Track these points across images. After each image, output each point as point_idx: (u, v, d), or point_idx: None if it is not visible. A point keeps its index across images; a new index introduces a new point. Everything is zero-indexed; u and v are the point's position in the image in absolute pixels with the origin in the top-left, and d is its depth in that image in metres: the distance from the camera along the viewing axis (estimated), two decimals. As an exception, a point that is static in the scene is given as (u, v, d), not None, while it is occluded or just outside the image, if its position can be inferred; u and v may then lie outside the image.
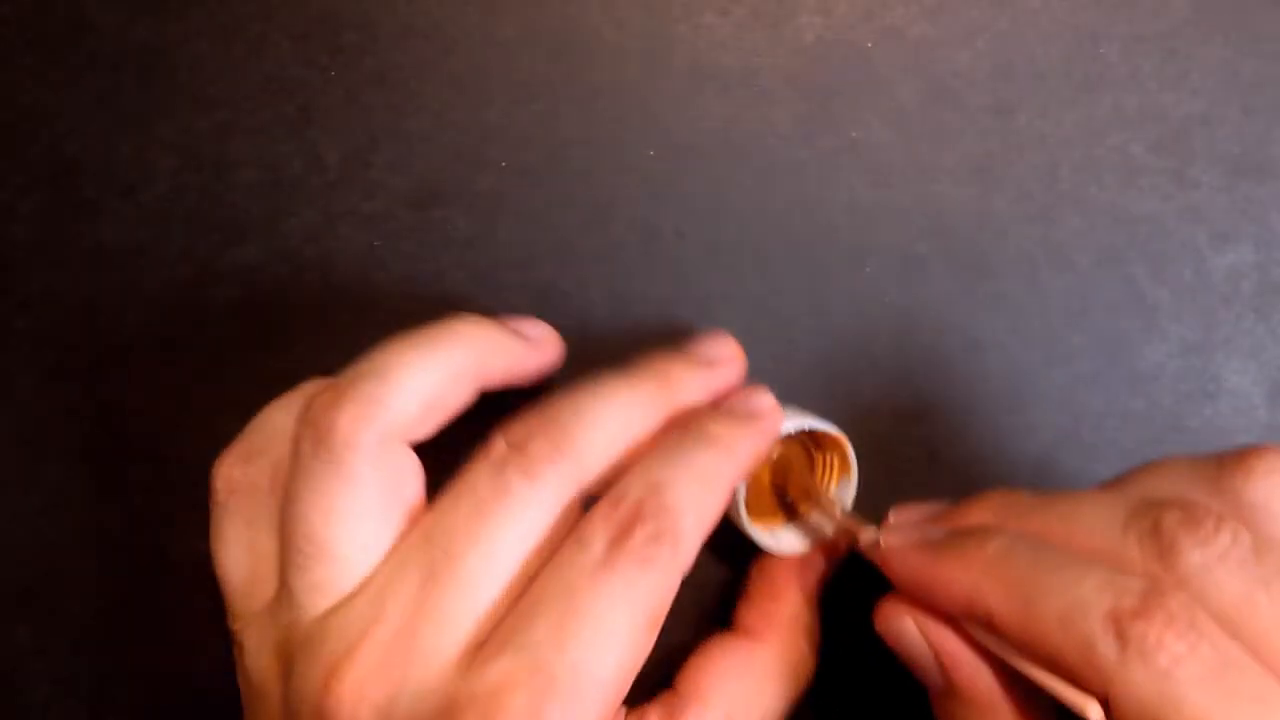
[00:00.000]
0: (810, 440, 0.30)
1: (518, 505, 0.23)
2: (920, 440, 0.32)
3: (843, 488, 0.29)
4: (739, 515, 0.28)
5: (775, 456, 0.29)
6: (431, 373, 0.25)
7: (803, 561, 0.29)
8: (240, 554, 0.25)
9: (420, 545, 0.23)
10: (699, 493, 0.24)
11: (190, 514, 0.31)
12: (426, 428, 0.25)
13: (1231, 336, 0.33)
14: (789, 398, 0.33)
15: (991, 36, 0.34)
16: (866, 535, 0.26)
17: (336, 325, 0.32)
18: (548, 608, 0.22)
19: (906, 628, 0.24)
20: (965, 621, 0.23)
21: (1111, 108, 0.34)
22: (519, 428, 0.24)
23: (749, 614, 0.28)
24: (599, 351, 0.33)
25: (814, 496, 0.28)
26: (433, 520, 0.23)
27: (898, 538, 0.25)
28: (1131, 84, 0.34)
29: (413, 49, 0.34)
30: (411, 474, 0.25)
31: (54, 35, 0.34)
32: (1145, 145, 0.34)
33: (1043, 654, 0.21)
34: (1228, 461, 0.24)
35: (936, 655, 0.23)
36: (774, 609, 0.28)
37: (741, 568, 0.30)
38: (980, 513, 0.26)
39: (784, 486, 0.29)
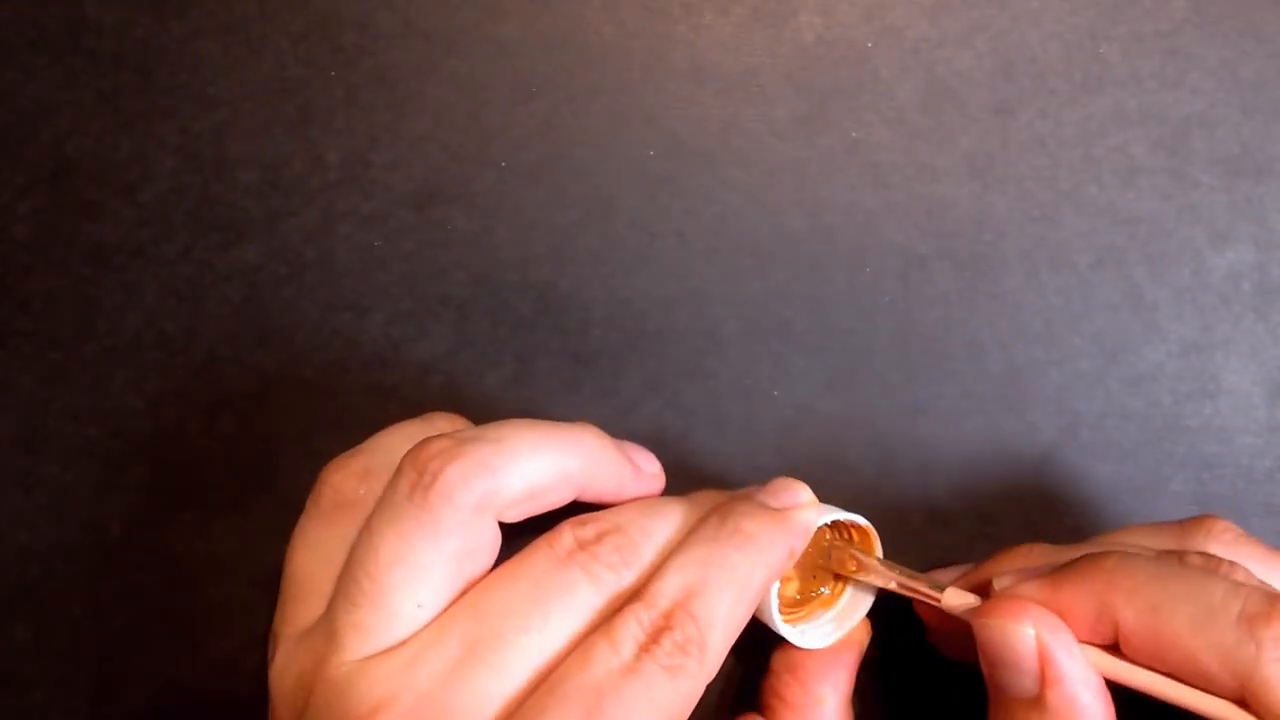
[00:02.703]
0: (837, 531, 0.29)
1: (573, 600, 0.23)
2: (920, 440, 0.32)
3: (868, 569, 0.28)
4: (771, 616, 0.27)
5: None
6: (547, 461, 0.25)
7: (834, 657, 0.28)
8: (316, 563, 0.25)
9: (469, 617, 0.23)
10: (730, 600, 0.24)
11: (190, 514, 0.31)
12: (520, 511, 0.25)
13: (1231, 336, 0.33)
14: (789, 397, 0.33)
15: (991, 36, 0.34)
16: (956, 598, 0.26)
17: (336, 325, 0.32)
18: (572, 702, 0.22)
19: (1019, 630, 0.24)
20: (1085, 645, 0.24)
21: (1111, 108, 0.34)
22: (591, 528, 0.24)
23: (784, 710, 0.27)
24: (599, 351, 0.33)
25: (866, 566, 0.28)
26: (486, 595, 0.23)
27: (1010, 581, 0.25)
28: (1131, 84, 0.34)
29: (413, 49, 0.34)
30: (489, 549, 0.25)
31: (54, 35, 0.34)
32: (1145, 145, 0.34)
33: (1173, 660, 0.22)
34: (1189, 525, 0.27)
35: (1043, 664, 0.23)
36: (811, 707, 0.27)
37: (762, 652, 0.29)
38: (1006, 562, 0.27)
39: (813, 568, 0.29)
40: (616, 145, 0.33)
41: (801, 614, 0.28)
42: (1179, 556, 0.24)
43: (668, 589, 0.23)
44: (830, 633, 0.28)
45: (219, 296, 0.33)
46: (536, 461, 0.25)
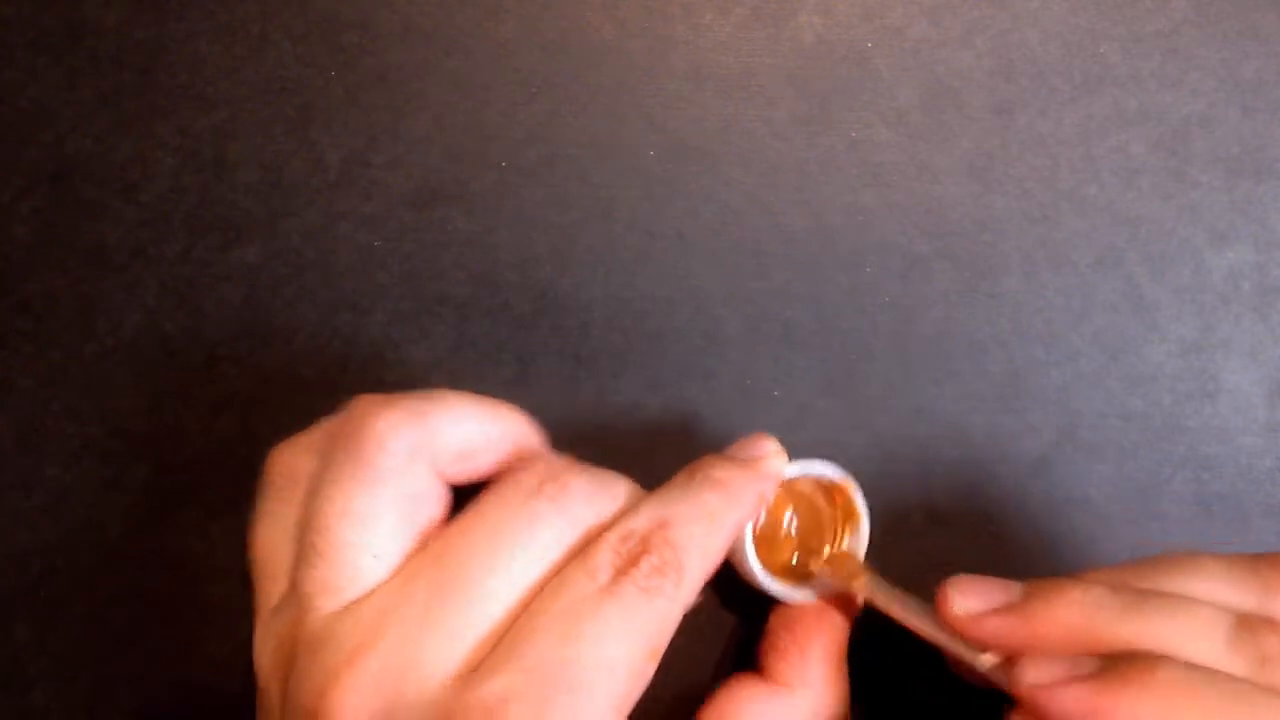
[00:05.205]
0: (823, 493, 0.29)
1: (541, 531, 0.23)
2: (920, 440, 0.32)
3: (854, 538, 0.29)
4: (747, 564, 0.27)
5: (781, 507, 0.29)
6: (477, 418, 0.25)
7: (828, 613, 0.28)
8: (273, 538, 0.25)
9: (434, 560, 0.23)
10: (703, 531, 0.24)
11: (190, 514, 0.31)
12: (457, 468, 0.25)
13: (1231, 336, 0.33)
14: (789, 397, 0.33)
15: (991, 36, 0.34)
16: (985, 660, 0.25)
17: (336, 325, 0.32)
18: (550, 627, 0.22)
19: None
20: None
21: (1111, 108, 0.34)
22: (555, 464, 0.25)
23: (778, 663, 0.27)
24: (599, 351, 0.33)
25: (849, 570, 0.28)
26: (448, 539, 0.23)
27: (1046, 673, 0.23)
28: (1131, 84, 0.34)
29: (413, 49, 0.34)
30: (435, 499, 0.25)
31: (54, 35, 0.34)
32: (1145, 145, 0.34)
33: None
34: (1263, 567, 0.25)
35: None
36: (804, 659, 0.27)
37: (758, 612, 0.29)
38: (1067, 611, 0.25)
39: (809, 549, 0.29)
40: (616, 145, 0.33)
41: (793, 578, 0.29)
42: (1258, 659, 0.23)
43: (641, 520, 0.24)
44: (813, 592, 0.28)
45: (219, 296, 0.33)
46: (467, 415, 0.25)
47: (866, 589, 0.27)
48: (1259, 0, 0.34)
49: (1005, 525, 0.32)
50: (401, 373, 0.32)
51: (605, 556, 0.23)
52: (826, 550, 0.29)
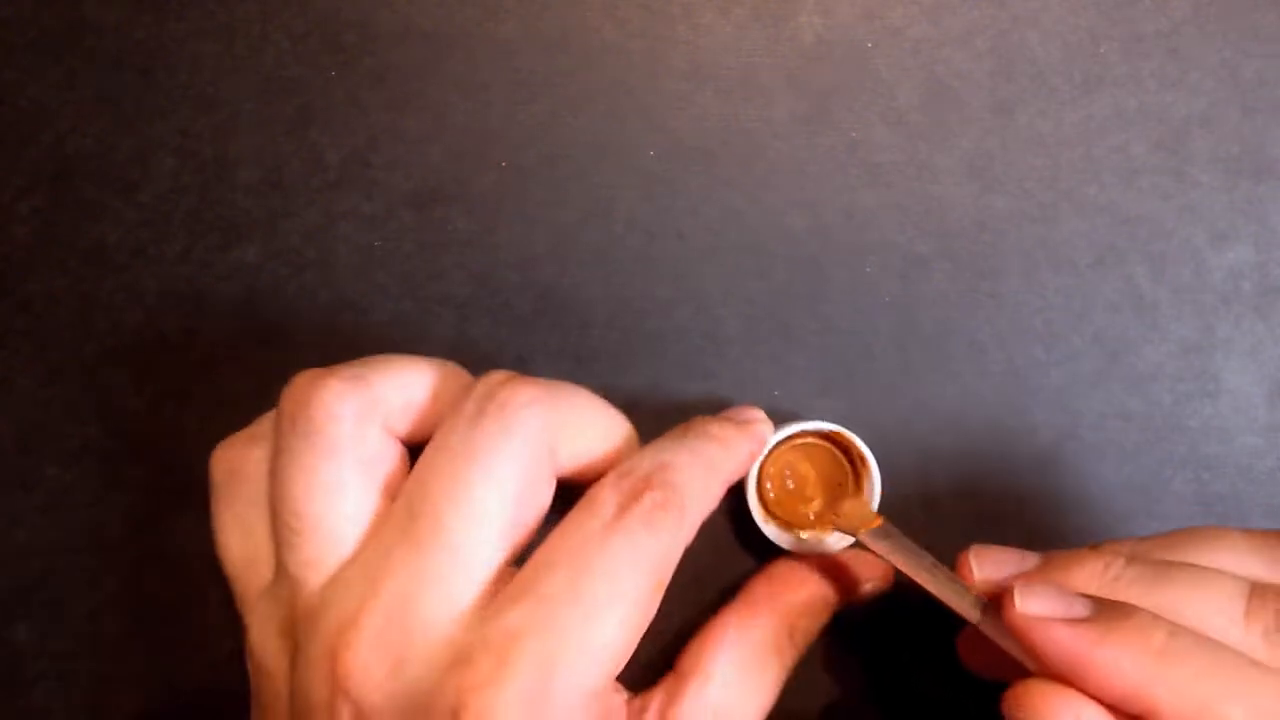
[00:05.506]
0: (840, 452, 0.31)
1: (492, 456, 0.23)
2: (920, 440, 0.32)
3: (869, 488, 0.30)
4: (752, 506, 0.29)
5: (802, 464, 0.31)
6: (418, 372, 0.25)
7: (826, 573, 0.29)
8: (240, 537, 0.25)
9: (403, 510, 0.23)
10: (701, 474, 0.25)
11: (190, 514, 0.31)
12: (406, 424, 0.25)
13: (1231, 336, 0.33)
14: (789, 398, 0.33)
15: (991, 36, 0.34)
16: (971, 602, 0.25)
17: (336, 325, 0.32)
18: (560, 563, 0.22)
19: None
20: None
21: (1111, 108, 0.34)
22: (492, 379, 0.25)
23: (756, 585, 0.29)
24: (599, 351, 0.33)
25: (857, 520, 0.28)
26: (413, 483, 0.24)
27: (1038, 604, 0.23)
28: (1131, 84, 0.34)
29: (413, 49, 0.34)
30: (393, 454, 0.25)
31: (54, 35, 0.34)
32: (1145, 145, 0.34)
33: None
34: None
35: None
36: (782, 589, 0.28)
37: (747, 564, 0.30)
38: (1085, 580, 0.25)
39: (828, 487, 0.31)
40: (616, 145, 0.33)
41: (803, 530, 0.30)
42: (1244, 626, 0.23)
43: (642, 462, 0.24)
44: (835, 543, 0.30)
45: (219, 296, 0.33)
46: (407, 372, 0.25)
47: (873, 538, 0.27)
48: (1259, 0, 0.34)
49: (1005, 525, 0.32)
50: (401, 373, 0.32)
51: (608, 494, 0.23)
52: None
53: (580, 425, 0.26)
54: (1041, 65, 0.34)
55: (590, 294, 0.33)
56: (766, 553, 0.30)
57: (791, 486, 0.30)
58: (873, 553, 0.27)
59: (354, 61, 0.34)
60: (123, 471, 0.32)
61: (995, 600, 0.25)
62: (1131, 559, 0.25)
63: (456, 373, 0.26)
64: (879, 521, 0.28)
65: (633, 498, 0.23)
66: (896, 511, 0.32)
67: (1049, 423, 0.32)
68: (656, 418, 0.32)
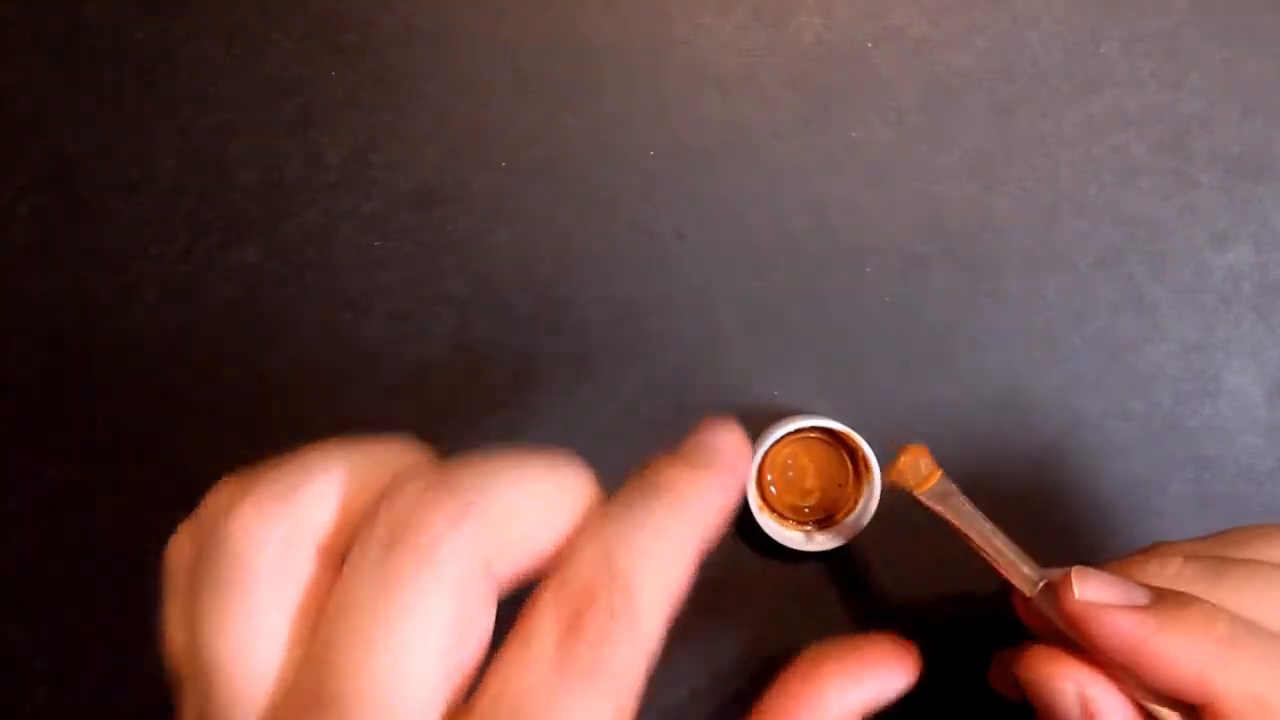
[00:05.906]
0: (833, 440, 0.31)
1: (411, 609, 0.19)
2: (920, 440, 0.32)
3: (868, 493, 0.30)
4: (751, 498, 0.30)
5: (800, 457, 0.31)
6: (359, 470, 0.21)
7: (847, 675, 0.25)
8: (181, 632, 0.22)
9: (310, 688, 0.19)
10: (656, 558, 0.19)
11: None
12: (343, 537, 0.20)
13: (1231, 336, 0.33)
14: (789, 397, 0.33)
15: (991, 36, 0.34)
16: (1027, 574, 0.24)
17: (336, 325, 0.32)
18: None
19: (1062, 688, 0.23)
20: (1137, 692, 0.22)
21: (1111, 108, 0.34)
22: (404, 494, 0.19)
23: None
24: (599, 351, 0.33)
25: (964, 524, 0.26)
26: (319, 648, 0.19)
27: (1096, 590, 0.23)
28: (1131, 84, 0.34)
29: (413, 49, 0.34)
30: (328, 579, 0.20)
31: (54, 35, 0.34)
32: (1145, 145, 0.34)
33: None
34: None
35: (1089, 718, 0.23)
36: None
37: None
38: (1141, 578, 0.24)
39: (831, 495, 0.31)
40: (616, 145, 0.33)
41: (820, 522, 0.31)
42: None
43: (581, 558, 0.19)
44: (825, 542, 0.30)
45: (219, 296, 0.33)
46: (341, 477, 0.21)
47: (930, 497, 0.25)
48: (1259, 0, 0.34)
49: (1006, 525, 0.32)
50: (401, 373, 0.32)
51: (547, 624, 0.19)
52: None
53: (521, 521, 0.20)
54: (1041, 65, 0.34)
55: (590, 294, 0.33)
56: (760, 542, 0.30)
57: (791, 476, 0.31)
58: (930, 511, 0.25)
59: (354, 61, 0.34)
60: (123, 472, 0.32)
61: (1052, 583, 0.24)
62: (1189, 558, 0.25)
63: (373, 465, 0.21)
64: (938, 476, 0.25)
65: (575, 622, 0.18)
66: (897, 512, 0.32)
67: (1049, 423, 0.32)
68: (657, 419, 0.32)
